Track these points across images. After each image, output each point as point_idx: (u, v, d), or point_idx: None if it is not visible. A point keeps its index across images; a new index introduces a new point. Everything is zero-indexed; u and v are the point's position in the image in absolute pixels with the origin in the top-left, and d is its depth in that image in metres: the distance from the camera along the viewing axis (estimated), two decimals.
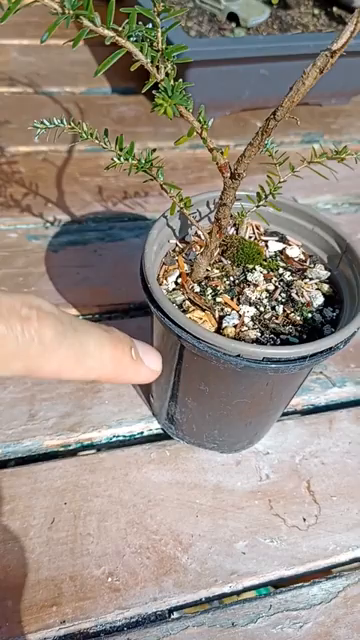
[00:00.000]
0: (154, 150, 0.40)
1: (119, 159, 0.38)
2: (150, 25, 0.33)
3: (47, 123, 0.39)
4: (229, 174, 0.38)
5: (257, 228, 0.48)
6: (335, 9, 0.93)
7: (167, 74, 0.34)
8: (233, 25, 0.84)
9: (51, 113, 0.88)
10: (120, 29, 0.31)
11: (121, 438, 0.53)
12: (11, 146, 0.81)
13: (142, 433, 0.53)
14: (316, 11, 0.90)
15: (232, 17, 0.84)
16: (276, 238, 0.48)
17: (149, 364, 0.32)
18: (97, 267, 0.67)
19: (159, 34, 0.33)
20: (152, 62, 0.33)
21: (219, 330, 0.42)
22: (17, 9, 0.28)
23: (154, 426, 0.54)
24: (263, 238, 0.48)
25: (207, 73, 0.80)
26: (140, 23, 0.33)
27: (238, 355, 0.38)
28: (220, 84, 0.84)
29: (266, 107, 0.92)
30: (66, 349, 0.26)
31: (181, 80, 0.34)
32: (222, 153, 0.37)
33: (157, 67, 0.34)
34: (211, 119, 0.36)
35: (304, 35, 0.84)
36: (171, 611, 0.43)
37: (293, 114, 0.34)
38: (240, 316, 0.42)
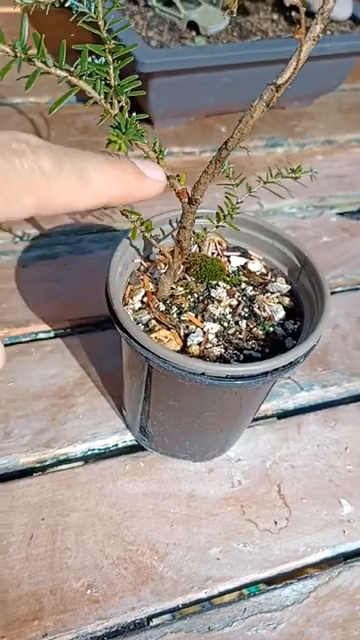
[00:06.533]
0: None
1: None
2: (102, 60, 0.34)
3: None
4: (187, 199, 0.39)
5: (219, 244, 0.49)
6: (294, 14, 0.94)
7: (121, 108, 0.35)
8: (193, 34, 0.84)
9: (16, 124, 0.88)
10: (72, 69, 0.32)
11: (96, 451, 0.54)
12: None
13: (117, 445, 0.55)
14: (275, 16, 0.92)
15: (192, 25, 0.85)
16: (238, 253, 0.50)
17: (152, 176, 0.31)
18: (67, 281, 0.68)
19: (111, 71, 0.34)
20: (105, 98, 0.34)
21: (184, 348, 0.43)
22: None
23: (128, 438, 0.55)
24: (225, 254, 0.49)
25: (170, 82, 0.81)
26: (92, 59, 0.34)
27: (202, 373, 0.39)
28: (184, 92, 0.85)
29: (230, 112, 0.93)
30: (67, 175, 0.26)
31: (135, 114, 0.35)
32: (179, 180, 0.38)
33: (111, 102, 0.35)
34: (166, 149, 0.37)
35: (263, 42, 0.85)
36: (149, 619, 0.45)
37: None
38: (204, 333, 0.44)
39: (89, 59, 0.33)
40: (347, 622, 0.46)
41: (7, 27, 0.30)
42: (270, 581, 0.48)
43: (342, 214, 0.82)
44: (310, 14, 0.98)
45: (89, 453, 0.54)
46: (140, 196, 0.31)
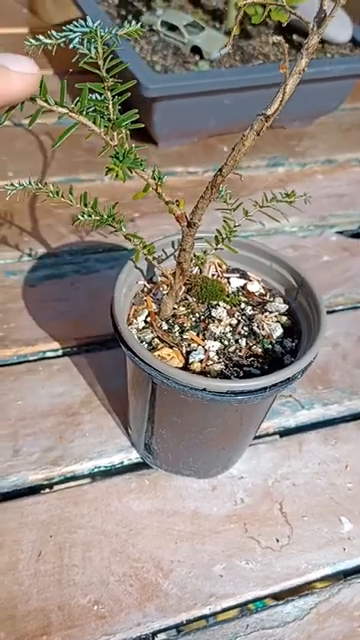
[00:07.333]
0: (116, 203, 0.43)
1: (83, 216, 0.40)
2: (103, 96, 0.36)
3: (17, 185, 0.42)
4: (186, 223, 0.40)
5: (219, 266, 0.51)
6: (295, 37, 0.97)
7: (121, 139, 0.37)
8: (197, 58, 0.87)
9: (24, 145, 0.90)
10: (73, 106, 0.34)
11: (102, 469, 0.55)
12: None
13: (122, 463, 0.56)
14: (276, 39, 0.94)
15: (196, 50, 0.87)
16: (237, 275, 0.51)
17: (18, 68, 0.25)
18: (74, 300, 0.69)
19: (110, 106, 0.36)
20: (106, 130, 0.36)
21: (186, 365, 0.44)
22: None
23: (133, 455, 0.56)
24: (225, 275, 0.51)
25: (174, 105, 0.83)
26: (95, 96, 0.35)
27: (204, 389, 0.41)
28: (187, 114, 0.87)
29: (232, 132, 0.95)
30: None
31: (133, 145, 0.37)
32: (178, 205, 0.40)
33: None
34: (165, 176, 0.38)
35: (263, 66, 0.87)
36: (154, 634, 0.46)
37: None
38: (206, 351, 0.45)
39: (91, 96, 0.35)
40: (346, 638, 0.46)
41: (11, 47, 0.31)
42: (272, 598, 0.49)
43: (341, 232, 0.84)
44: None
45: (95, 471, 0.55)
46: (6, 94, 0.25)
